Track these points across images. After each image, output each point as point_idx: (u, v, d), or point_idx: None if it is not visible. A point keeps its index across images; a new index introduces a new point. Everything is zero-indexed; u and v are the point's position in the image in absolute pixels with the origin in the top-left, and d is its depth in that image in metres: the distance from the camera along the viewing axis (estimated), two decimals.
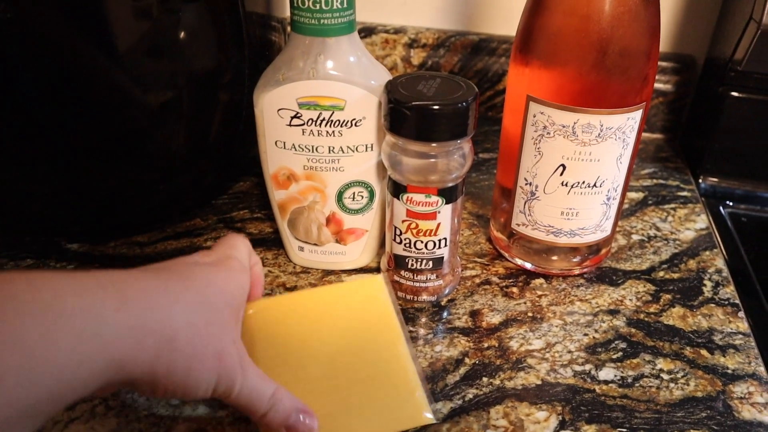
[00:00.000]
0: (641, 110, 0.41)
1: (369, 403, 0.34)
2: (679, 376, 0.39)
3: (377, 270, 0.47)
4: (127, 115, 0.45)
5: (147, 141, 0.47)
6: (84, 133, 0.45)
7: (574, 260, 0.47)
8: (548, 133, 0.41)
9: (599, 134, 0.40)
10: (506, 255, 0.48)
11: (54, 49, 0.41)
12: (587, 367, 0.40)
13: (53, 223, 0.50)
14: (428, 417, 0.34)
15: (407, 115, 0.36)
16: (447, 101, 0.36)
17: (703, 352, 0.41)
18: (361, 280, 0.39)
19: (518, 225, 0.46)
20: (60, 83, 0.42)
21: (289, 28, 0.63)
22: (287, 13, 0.59)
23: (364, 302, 0.38)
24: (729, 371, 0.40)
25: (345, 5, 0.37)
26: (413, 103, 0.36)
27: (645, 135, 0.69)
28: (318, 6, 0.37)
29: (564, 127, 0.40)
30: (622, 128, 0.41)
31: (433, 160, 0.39)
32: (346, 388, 0.35)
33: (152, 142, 0.48)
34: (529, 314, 0.44)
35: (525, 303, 0.45)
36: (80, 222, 0.51)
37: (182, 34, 0.45)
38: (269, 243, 0.51)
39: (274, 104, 0.40)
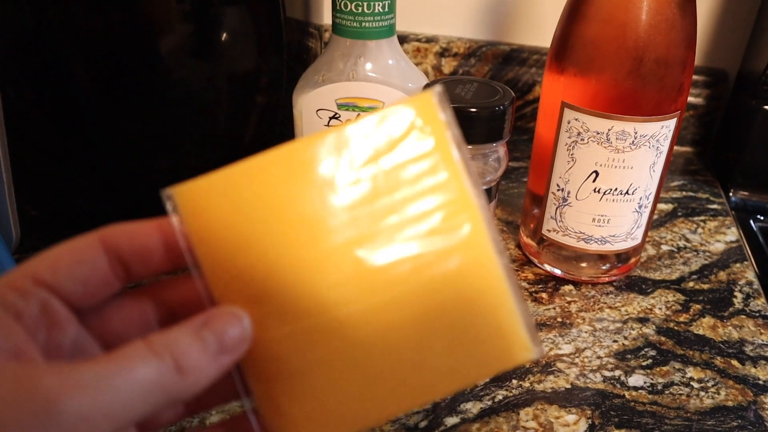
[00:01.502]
0: (675, 119, 0.41)
1: (431, 332, 0.22)
2: (709, 385, 0.39)
3: None
4: (167, 115, 0.47)
5: (185, 140, 0.48)
6: (125, 131, 0.46)
7: (604, 268, 0.47)
8: (582, 140, 0.42)
9: (633, 141, 0.41)
10: (536, 261, 0.49)
11: (101, 49, 0.43)
12: (617, 372, 0.40)
13: (93, 218, 0.51)
14: (533, 350, 0.22)
15: None
16: (484, 104, 0.37)
17: (734, 362, 0.41)
18: (393, 107, 0.23)
19: (549, 231, 0.46)
20: (105, 82, 0.44)
21: (326, 35, 0.65)
22: (325, 21, 0.61)
23: (406, 147, 0.22)
24: (760, 382, 0.40)
25: (386, 9, 0.38)
26: (451, 105, 0.37)
27: (675, 148, 0.69)
28: (360, 9, 0.38)
29: (598, 133, 0.41)
30: (656, 136, 0.41)
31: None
32: (396, 311, 0.22)
33: (190, 142, 0.49)
34: (559, 319, 0.44)
35: (554, 308, 0.45)
36: (120, 217, 0.52)
37: (223, 37, 0.46)
38: None
39: (313, 105, 0.41)
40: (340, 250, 0.21)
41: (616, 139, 0.41)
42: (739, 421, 0.37)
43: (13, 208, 0.44)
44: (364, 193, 0.22)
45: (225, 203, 0.22)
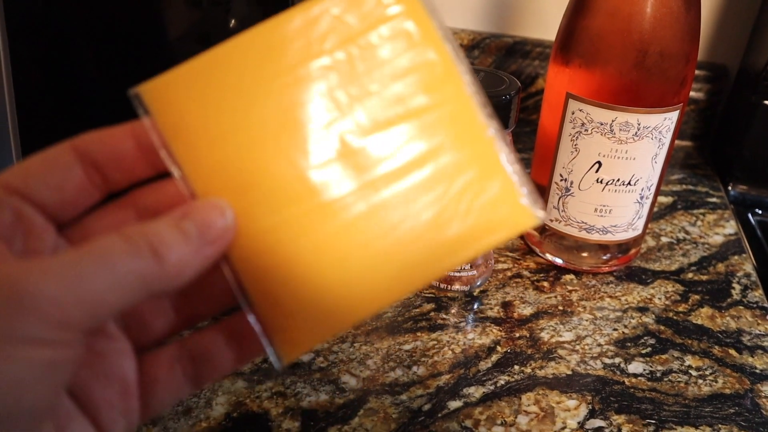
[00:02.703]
0: (678, 111, 0.42)
1: (432, 199, 0.21)
2: (707, 373, 0.40)
3: None
4: None
5: None
6: (134, 117, 0.46)
7: (605, 258, 0.47)
8: (586, 130, 0.42)
9: (636, 133, 0.41)
10: (537, 250, 0.49)
11: (109, 36, 0.43)
12: (617, 360, 0.40)
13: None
14: (537, 214, 0.21)
15: None
16: (490, 94, 0.37)
17: (732, 351, 0.42)
18: None
19: (551, 221, 0.47)
20: (113, 69, 0.44)
21: None
22: None
23: (378, 28, 0.21)
24: (757, 371, 0.40)
25: None
26: None
27: (676, 142, 0.70)
28: None
29: (602, 124, 0.41)
30: (659, 128, 0.42)
31: None
32: (389, 189, 0.21)
33: None
34: (560, 308, 0.45)
35: (555, 297, 0.46)
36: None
37: (231, 24, 0.46)
38: None
39: None
40: (323, 131, 0.21)
41: (620, 130, 0.41)
42: (736, 408, 0.37)
43: None
44: (340, 75, 0.21)
45: (196, 94, 0.20)
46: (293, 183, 0.20)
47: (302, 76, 0.21)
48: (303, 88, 0.21)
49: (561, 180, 0.45)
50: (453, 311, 0.44)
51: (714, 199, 0.60)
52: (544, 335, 0.42)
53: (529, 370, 0.39)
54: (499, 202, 0.21)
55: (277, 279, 0.21)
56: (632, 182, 0.43)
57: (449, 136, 0.21)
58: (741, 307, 0.46)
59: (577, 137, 0.43)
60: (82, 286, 0.17)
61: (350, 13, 0.21)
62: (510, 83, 0.39)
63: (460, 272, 0.44)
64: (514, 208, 0.21)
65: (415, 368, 0.39)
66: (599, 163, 0.43)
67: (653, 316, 0.44)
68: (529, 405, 0.37)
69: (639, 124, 0.41)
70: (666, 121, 0.42)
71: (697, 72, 0.67)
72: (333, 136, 0.21)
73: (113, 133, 0.21)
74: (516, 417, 0.36)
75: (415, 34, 0.21)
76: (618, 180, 0.43)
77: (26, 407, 0.16)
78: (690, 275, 0.49)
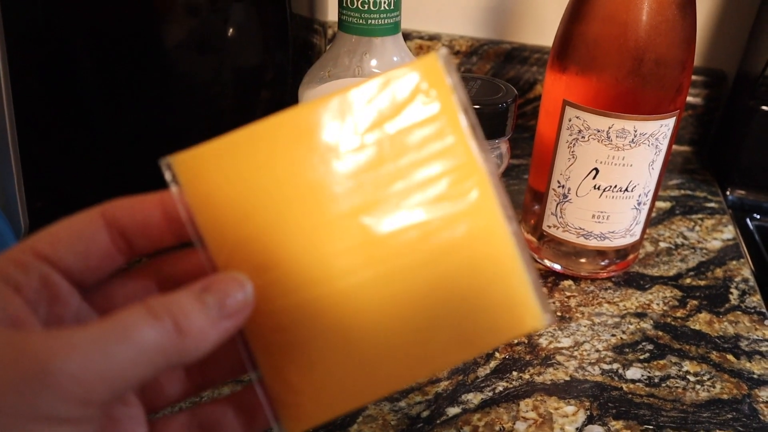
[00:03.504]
0: (674, 118, 0.42)
1: (442, 297, 0.21)
2: (705, 378, 0.40)
3: None
4: (173, 108, 0.47)
5: (190, 134, 0.49)
6: (131, 124, 0.47)
7: (603, 264, 0.48)
8: (583, 137, 0.42)
9: (633, 140, 0.42)
10: (536, 257, 0.49)
11: (108, 42, 0.43)
12: (615, 366, 0.41)
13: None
14: (543, 318, 0.22)
15: None
16: (487, 102, 0.38)
17: (729, 356, 0.42)
18: (397, 70, 0.22)
19: (549, 227, 0.47)
20: (112, 75, 0.44)
21: (330, 32, 0.65)
22: (329, 17, 0.61)
23: (406, 120, 0.22)
24: (755, 376, 0.40)
25: (392, 7, 0.39)
26: None
27: (674, 147, 0.70)
28: (366, 7, 0.38)
29: (599, 131, 0.42)
30: (656, 135, 0.42)
31: None
32: (404, 280, 0.21)
33: (195, 135, 0.49)
34: (558, 314, 0.45)
35: (554, 303, 0.46)
36: None
37: (229, 32, 0.46)
38: None
39: None
40: (346, 217, 0.21)
41: (617, 137, 0.41)
42: (734, 413, 0.38)
43: (22, 199, 0.45)
44: (368, 159, 0.21)
45: (225, 170, 0.21)
46: (312, 266, 0.21)
47: (330, 160, 0.21)
48: (330, 172, 0.21)
49: (558, 186, 0.45)
50: None
51: (712, 204, 0.60)
52: (543, 341, 0.42)
53: (527, 377, 0.39)
54: (514, 301, 0.22)
55: (289, 357, 0.21)
56: (629, 188, 0.44)
57: (471, 236, 0.21)
58: (739, 312, 0.46)
59: (574, 144, 0.43)
60: (106, 362, 0.17)
61: (383, 102, 0.21)
62: (507, 91, 0.39)
63: None
64: (525, 310, 0.22)
65: None
66: (596, 169, 0.43)
67: (651, 321, 0.45)
68: (527, 411, 0.37)
69: (635, 131, 0.41)
70: (663, 128, 0.42)
71: (694, 77, 0.68)
72: (355, 226, 0.21)
73: (142, 201, 0.22)
74: (514, 423, 0.36)
75: (446, 131, 0.22)
76: (615, 186, 0.43)
77: None
78: (688, 280, 0.49)
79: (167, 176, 0.21)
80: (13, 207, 0.44)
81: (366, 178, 0.21)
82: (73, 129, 0.46)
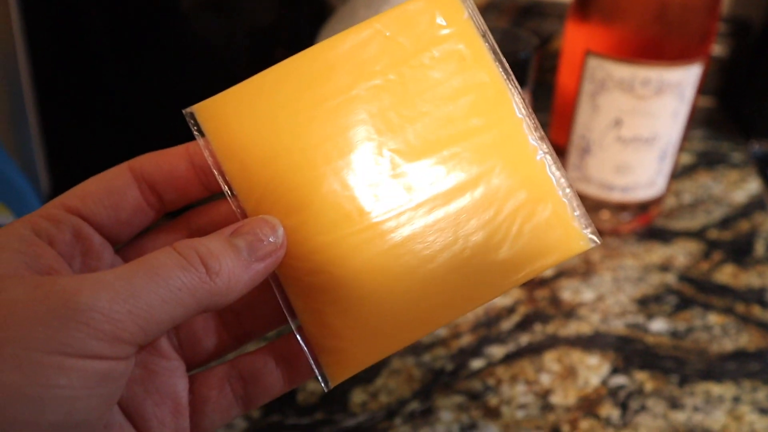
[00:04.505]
0: (700, 66, 0.41)
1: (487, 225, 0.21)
2: (730, 330, 0.40)
3: None
4: (187, 71, 0.47)
5: (206, 95, 0.49)
6: (145, 86, 0.46)
7: (625, 217, 0.47)
8: (606, 88, 0.41)
9: (657, 89, 0.41)
10: None
11: (122, 6, 0.43)
12: (639, 318, 0.40)
13: None
14: (590, 238, 0.21)
15: None
16: (508, 50, 0.37)
17: (755, 309, 0.41)
18: (412, 4, 0.21)
19: (571, 181, 0.46)
20: (127, 39, 0.44)
21: None
22: None
23: (429, 52, 0.21)
24: None
25: None
26: None
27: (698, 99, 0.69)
28: None
29: (622, 81, 0.41)
30: (681, 83, 0.41)
31: None
32: (441, 213, 0.21)
33: (208, 96, 0.49)
34: (581, 268, 0.44)
35: (576, 257, 0.45)
36: None
37: None
38: None
39: None
40: (374, 152, 0.21)
41: (641, 86, 0.41)
42: (761, 364, 0.37)
43: (42, 162, 0.45)
44: (392, 95, 0.21)
45: (248, 116, 0.21)
46: (344, 203, 0.20)
47: (354, 96, 0.21)
48: (354, 108, 0.21)
49: (580, 139, 0.44)
50: None
51: (737, 157, 0.59)
52: (566, 295, 0.42)
53: (551, 330, 0.39)
54: (550, 225, 0.21)
55: (327, 299, 0.20)
56: (653, 139, 0.43)
57: (500, 159, 0.21)
58: (765, 265, 0.45)
59: (597, 95, 0.42)
60: (135, 300, 0.17)
61: (402, 34, 0.21)
62: (528, 40, 0.38)
63: None
64: (566, 232, 0.21)
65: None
66: (619, 120, 0.42)
67: (675, 274, 0.44)
68: (551, 363, 0.37)
69: (660, 80, 0.40)
70: (687, 76, 0.41)
71: (720, 27, 0.66)
72: (384, 157, 0.21)
73: (168, 154, 0.21)
74: (539, 375, 0.36)
75: (467, 56, 0.21)
76: (638, 137, 0.43)
77: (78, 419, 0.16)
78: (712, 234, 0.48)
79: (191, 125, 0.21)
80: (34, 170, 0.44)
81: (391, 113, 0.21)
82: (89, 93, 0.46)
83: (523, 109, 0.21)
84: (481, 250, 0.21)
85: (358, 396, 0.35)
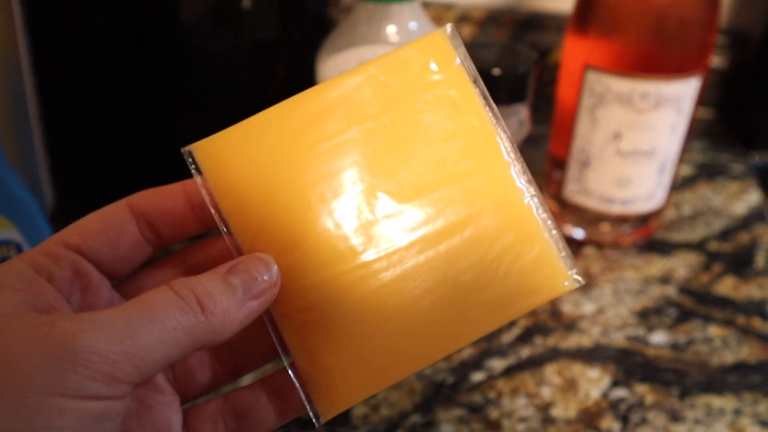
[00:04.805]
0: (698, 79, 0.41)
1: (471, 266, 0.21)
2: (731, 342, 0.40)
3: None
4: (191, 82, 0.47)
5: (208, 108, 0.49)
6: (150, 99, 0.47)
7: (626, 230, 0.47)
8: (605, 101, 0.42)
9: (656, 102, 0.41)
10: (558, 223, 0.49)
11: (127, 18, 0.43)
12: (639, 331, 0.40)
13: (118, 185, 0.52)
14: (574, 278, 0.22)
15: None
16: (507, 65, 0.37)
17: (756, 321, 0.41)
18: (404, 48, 0.22)
19: (571, 194, 0.47)
20: (131, 50, 0.45)
21: (342, 5, 0.65)
22: None
23: (419, 96, 0.22)
24: None
25: None
26: (475, 66, 0.37)
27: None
28: None
29: (621, 95, 0.41)
30: (679, 96, 0.41)
31: None
32: (431, 253, 0.21)
33: (213, 109, 0.49)
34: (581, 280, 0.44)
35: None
36: (144, 184, 0.53)
37: (244, 4, 0.46)
38: None
39: (336, 69, 0.41)
40: (367, 193, 0.21)
41: (639, 99, 0.41)
42: (762, 377, 0.37)
43: (47, 177, 0.45)
44: (384, 137, 0.21)
45: (246, 155, 0.21)
46: (337, 242, 0.21)
47: (348, 139, 0.21)
48: (349, 150, 0.21)
49: (580, 152, 0.45)
50: None
51: (737, 168, 0.59)
52: (566, 308, 0.42)
53: (551, 343, 0.39)
54: (537, 265, 0.21)
55: (319, 336, 0.21)
56: (652, 152, 0.43)
57: (489, 201, 0.22)
58: (765, 277, 0.45)
59: (596, 109, 0.42)
60: (132, 341, 0.17)
61: (396, 79, 0.22)
62: (527, 55, 0.39)
63: None
64: (553, 272, 0.21)
65: None
66: (618, 134, 0.42)
67: (675, 287, 0.44)
68: (552, 376, 0.37)
69: (659, 94, 0.41)
70: (686, 89, 0.41)
71: (719, 39, 0.66)
72: (377, 198, 0.21)
73: (166, 191, 0.22)
74: (539, 388, 0.36)
75: (458, 101, 0.22)
76: (638, 151, 0.43)
77: None
78: (712, 246, 0.49)
79: (189, 164, 0.21)
80: (37, 183, 0.45)
81: (385, 156, 0.21)
82: (93, 105, 0.46)
83: (511, 153, 0.22)
84: (471, 289, 0.21)
85: (359, 409, 0.35)
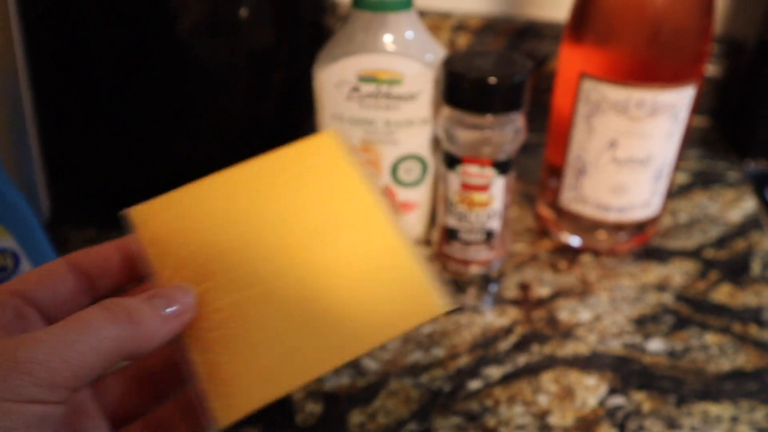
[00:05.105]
0: (693, 87, 0.42)
1: (355, 298, 0.26)
2: (728, 349, 0.40)
3: (427, 244, 0.49)
4: (187, 92, 0.47)
5: (205, 117, 0.49)
6: (146, 108, 0.47)
7: (622, 237, 0.47)
8: (600, 110, 0.42)
9: (652, 110, 0.41)
10: (554, 231, 0.49)
11: (122, 28, 0.43)
12: (636, 338, 0.40)
13: (116, 194, 0.52)
14: (442, 303, 0.26)
15: (464, 87, 0.38)
16: (503, 74, 0.37)
17: (752, 328, 0.42)
18: (301, 144, 0.29)
19: (567, 201, 0.47)
20: (126, 60, 0.45)
21: (340, 10, 0.65)
22: None
23: (315, 173, 0.28)
24: None
25: None
26: (471, 75, 0.37)
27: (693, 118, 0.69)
28: None
29: (617, 103, 0.41)
30: (675, 105, 0.41)
31: (487, 132, 0.40)
32: (321, 283, 0.26)
33: (209, 118, 0.50)
34: (578, 288, 0.44)
35: (573, 277, 0.46)
36: (141, 194, 0.53)
37: (242, 14, 0.46)
38: None
39: (333, 78, 0.41)
40: (272, 238, 0.26)
41: (635, 107, 0.41)
42: (759, 384, 0.37)
43: (43, 185, 0.45)
44: (287, 202, 0.27)
45: (171, 215, 0.26)
46: (239, 276, 0.25)
47: (260, 204, 0.27)
48: (259, 212, 0.27)
49: (576, 160, 0.45)
50: (471, 293, 0.44)
51: (732, 176, 0.59)
52: (563, 315, 0.42)
53: (548, 350, 0.39)
54: (408, 291, 0.26)
55: (222, 351, 0.24)
56: (648, 160, 0.43)
57: (367, 243, 0.26)
58: (761, 284, 0.46)
59: (592, 117, 0.42)
60: (69, 350, 0.20)
61: (298, 162, 0.28)
62: (523, 63, 0.39)
63: (477, 254, 0.44)
64: (423, 298, 0.25)
65: (434, 350, 0.39)
66: (614, 142, 0.43)
67: (672, 294, 0.44)
68: (549, 384, 0.37)
69: (654, 102, 0.41)
70: (682, 98, 0.41)
71: (714, 47, 0.66)
72: (279, 241, 0.26)
73: (101, 248, 0.26)
74: (536, 396, 0.36)
75: (343, 187, 0.28)
76: (634, 158, 0.43)
77: None
78: (709, 253, 0.49)
79: (126, 224, 0.26)
80: (34, 192, 0.45)
81: (287, 214, 0.27)
82: (91, 114, 0.47)
83: (381, 199, 0.27)
84: (349, 311, 0.25)
85: (356, 417, 0.35)
